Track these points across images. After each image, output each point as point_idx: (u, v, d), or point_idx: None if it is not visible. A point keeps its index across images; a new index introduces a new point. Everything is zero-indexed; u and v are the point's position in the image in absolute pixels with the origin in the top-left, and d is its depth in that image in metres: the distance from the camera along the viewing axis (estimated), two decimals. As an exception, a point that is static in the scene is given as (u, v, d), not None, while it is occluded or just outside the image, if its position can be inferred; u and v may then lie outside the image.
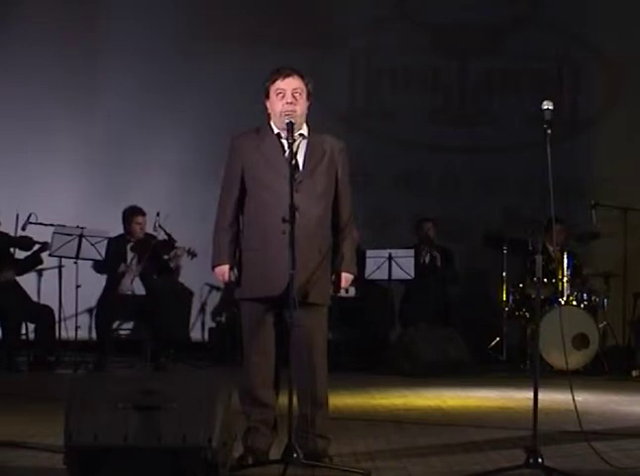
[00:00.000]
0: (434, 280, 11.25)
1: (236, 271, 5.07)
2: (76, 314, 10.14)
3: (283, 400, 4.96)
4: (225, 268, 5.07)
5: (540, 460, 4.73)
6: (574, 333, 10.02)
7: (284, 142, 5.01)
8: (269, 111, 5.09)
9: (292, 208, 4.80)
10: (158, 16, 11.80)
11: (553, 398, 7.28)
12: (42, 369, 10.01)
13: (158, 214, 10.32)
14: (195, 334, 11.74)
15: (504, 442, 5.85)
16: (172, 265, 10.53)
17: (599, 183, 11.83)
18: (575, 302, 10.43)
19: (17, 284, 10.37)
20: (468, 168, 12.06)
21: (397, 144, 12.08)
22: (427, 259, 11.35)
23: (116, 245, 10.28)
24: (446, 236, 11.57)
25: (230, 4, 11.99)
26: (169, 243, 10.44)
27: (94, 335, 10.49)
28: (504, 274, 10.87)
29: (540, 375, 4.90)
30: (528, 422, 4.93)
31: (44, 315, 10.19)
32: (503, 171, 12.00)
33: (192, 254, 10.40)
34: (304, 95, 5.06)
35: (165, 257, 10.43)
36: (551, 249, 10.29)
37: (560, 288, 10.39)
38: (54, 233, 9.99)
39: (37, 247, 10.32)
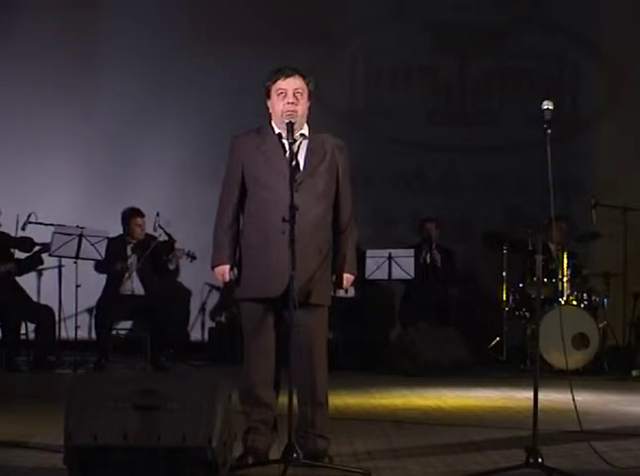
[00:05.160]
0: (434, 280, 11.25)
1: (236, 271, 5.07)
2: (76, 314, 10.14)
3: (283, 400, 4.95)
4: (225, 268, 5.06)
5: (540, 460, 4.72)
6: (574, 333, 10.02)
7: (285, 142, 5.01)
8: (270, 111, 5.08)
9: (292, 208, 4.78)
10: (158, 16, 11.81)
11: (553, 398, 7.28)
12: (42, 369, 10.01)
13: (158, 214, 10.31)
14: (195, 334, 11.74)
15: (504, 442, 5.84)
16: (171, 266, 10.53)
17: (599, 183, 11.83)
18: (575, 302, 10.43)
19: (17, 284, 10.37)
20: (468, 167, 12.06)
21: (397, 144, 12.07)
22: (427, 259, 11.35)
23: (116, 245, 10.28)
24: (446, 236, 11.57)
25: (230, 4, 11.98)
26: (170, 243, 10.43)
27: (94, 335, 10.50)
28: (504, 274, 10.87)
29: (540, 375, 4.90)
30: (528, 422, 4.93)
31: (44, 315, 10.19)
32: (503, 170, 12.00)
33: (192, 257, 10.40)
34: (305, 95, 5.04)
35: (165, 258, 10.43)
36: (552, 247, 10.28)
37: (560, 288, 10.39)
38: (54, 233, 9.98)
39: (37, 248, 10.32)
